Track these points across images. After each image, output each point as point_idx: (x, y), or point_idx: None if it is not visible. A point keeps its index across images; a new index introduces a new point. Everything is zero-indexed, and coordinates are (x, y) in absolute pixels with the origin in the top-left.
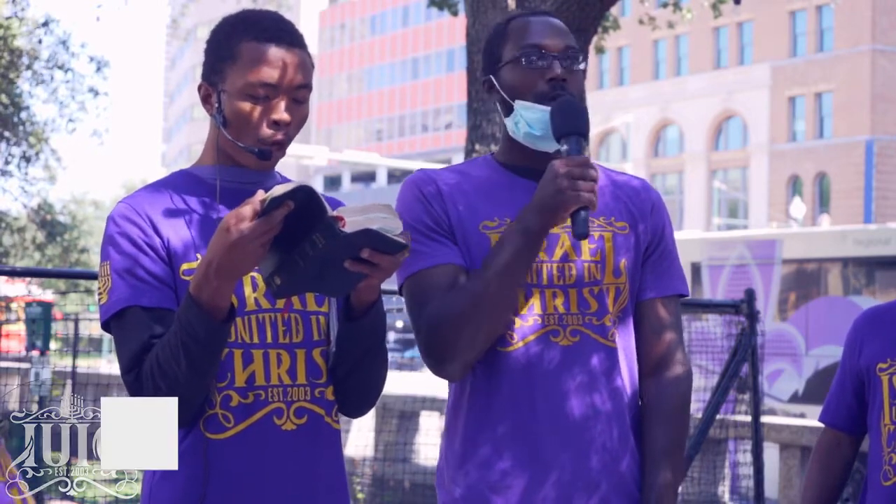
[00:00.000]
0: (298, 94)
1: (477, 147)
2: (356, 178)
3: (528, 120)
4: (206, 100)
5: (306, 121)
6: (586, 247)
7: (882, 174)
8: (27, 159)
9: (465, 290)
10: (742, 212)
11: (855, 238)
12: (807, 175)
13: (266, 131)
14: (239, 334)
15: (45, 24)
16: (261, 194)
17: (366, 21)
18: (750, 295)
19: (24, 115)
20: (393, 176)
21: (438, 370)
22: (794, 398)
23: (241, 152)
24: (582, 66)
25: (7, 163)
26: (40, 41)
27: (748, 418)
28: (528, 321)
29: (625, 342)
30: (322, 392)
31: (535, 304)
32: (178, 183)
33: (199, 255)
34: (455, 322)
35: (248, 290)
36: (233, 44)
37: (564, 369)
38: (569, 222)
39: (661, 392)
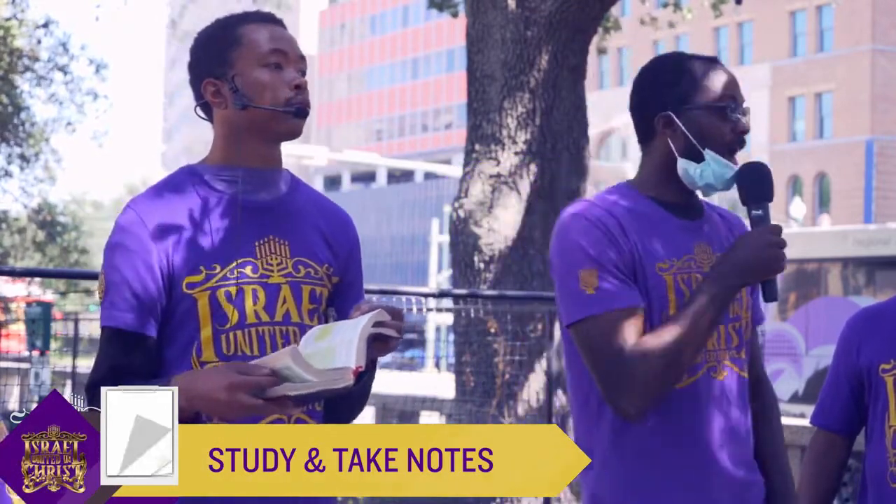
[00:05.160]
0: (301, 65)
1: (477, 147)
2: (356, 178)
3: (716, 173)
4: (215, 94)
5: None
6: None
7: (882, 174)
8: (27, 160)
9: (671, 335)
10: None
11: (855, 238)
12: (807, 175)
13: (290, 93)
14: (239, 346)
15: (45, 25)
16: (278, 391)
17: (366, 21)
18: None
19: (23, 115)
20: (392, 176)
21: (628, 409)
22: (794, 398)
23: (255, 145)
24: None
25: (7, 163)
26: (39, 42)
27: None
28: (696, 358)
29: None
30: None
31: None
32: (186, 184)
33: (202, 268)
34: (662, 365)
35: (248, 302)
36: (234, 33)
37: (723, 403)
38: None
39: (768, 408)
